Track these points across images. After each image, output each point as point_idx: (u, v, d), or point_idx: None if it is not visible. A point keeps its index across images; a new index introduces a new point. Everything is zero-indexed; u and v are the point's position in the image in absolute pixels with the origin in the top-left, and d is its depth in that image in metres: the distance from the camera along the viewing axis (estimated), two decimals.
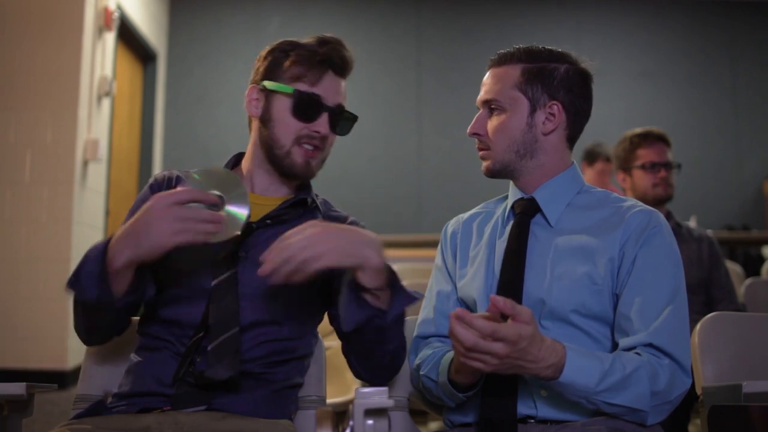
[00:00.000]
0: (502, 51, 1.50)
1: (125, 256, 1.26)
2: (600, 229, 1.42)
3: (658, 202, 2.70)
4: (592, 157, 3.92)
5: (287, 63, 1.46)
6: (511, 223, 1.48)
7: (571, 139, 1.52)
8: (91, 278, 1.29)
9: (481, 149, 1.50)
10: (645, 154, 2.74)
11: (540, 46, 1.49)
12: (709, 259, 2.68)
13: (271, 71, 1.47)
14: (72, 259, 4.23)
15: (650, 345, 1.31)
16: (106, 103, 4.76)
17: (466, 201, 1.68)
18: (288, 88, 1.44)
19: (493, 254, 1.47)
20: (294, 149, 1.46)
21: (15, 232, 4.24)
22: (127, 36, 5.36)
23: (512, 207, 1.50)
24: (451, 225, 1.61)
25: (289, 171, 1.48)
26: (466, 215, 1.61)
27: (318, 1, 6.42)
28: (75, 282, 1.31)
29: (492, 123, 1.47)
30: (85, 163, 4.42)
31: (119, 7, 4.94)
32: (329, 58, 1.46)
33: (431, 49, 6.44)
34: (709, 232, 2.80)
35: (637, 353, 1.31)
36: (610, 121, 5.75)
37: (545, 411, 1.33)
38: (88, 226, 4.48)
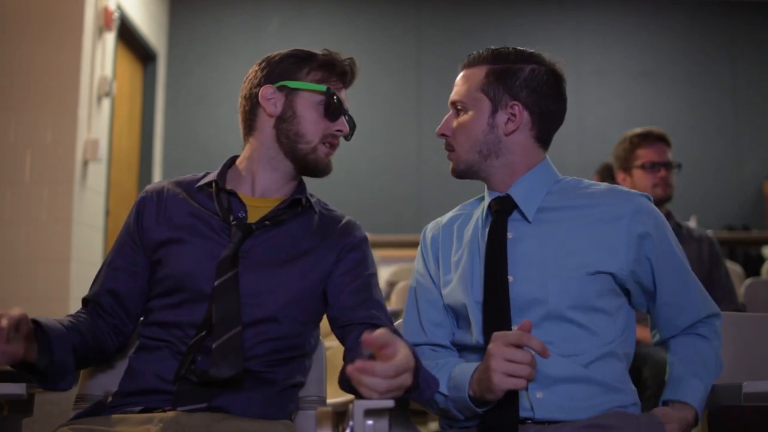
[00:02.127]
0: (474, 53, 1.52)
1: None
2: (585, 217, 1.43)
3: (658, 203, 2.69)
4: (607, 174, 3.73)
5: (308, 68, 1.51)
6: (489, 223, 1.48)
7: (541, 139, 1.50)
8: None
9: (447, 149, 1.52)
10: (645, 154, 2.74)
11: (509, 48, 1.50)
12: (710, 259, 2.67)
13: (288, 73, 1.51)
14: (72, 259, 4.23)
15: (704, 318, 1.51)
16: (106, 103, 4.76)
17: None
18: (320, 87, 1.49)
19: (476, 256, 1.46)
20: (319, 146, 1.50)
21: (15, 232, 4.24)
22: (127, 36, 5.36)
23: (489, 207, 1.49)
24: (431, 229, 1.59)
25: (313, 166, 1.51)
26: (444, 219, 1.59)
27: (318, 1, 6.42)
28: None
29: (456, 124, 1.50)
30: (85, 163, 4.42)
31: (119, 7, 4.94)
32: (350, 69, 1.53)
33: (431, 49, 6.43)
34: (709, 232, 2.80)
35: (698, 334, 1.49)
36: (610, 121, 5.76)
37: (542, 412, 1.33)
38: (88, 226, 4.48)
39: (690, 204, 5.75)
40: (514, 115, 1.46)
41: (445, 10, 6.50)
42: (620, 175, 2.83)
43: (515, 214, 1.46)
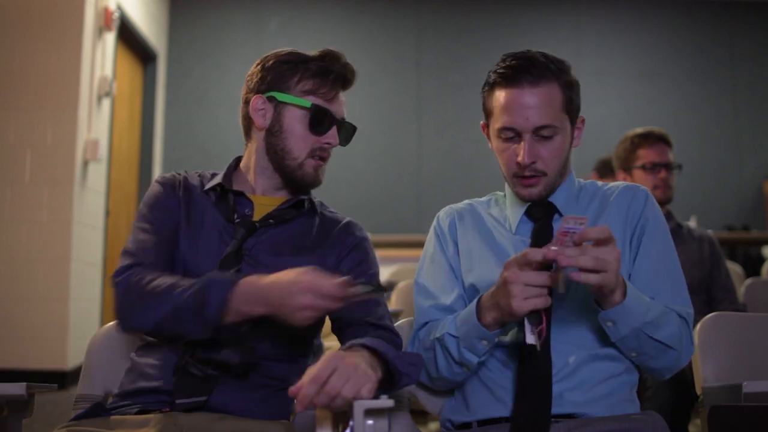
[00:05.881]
0: (523, 63, 1.43)
1: None
2: (608, 217, 1.48)
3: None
4: (605, 170, 3.78)
5: (299, 76, 1.49)
6: (528, 227, 1.49)
7: None
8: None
9: (533, 175, 1.45)
10: (646, 155, 2.74)
11: (551, 56, 1.47)
12: (710, 259, 2.67)
13: (279, 82, 1.50)
14: (72, 259, 4.23)
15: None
16: (106, 103, 4.77)
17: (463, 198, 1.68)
18: (305, 102, 1.48)
19: (507, 252, 1.47)
20: (307, 161, 1.49)
21: (15, 232, 4.24)
22: (127, 36, 5.36)
23: (526, 212, 1.50)
24: (446, 215, 1.60)
25: (300, 181, 1.51)
26: (459, 206, 1.61)
27: (318, 1, 6.42)
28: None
29: (549, 150, 1.44)
30: (85, 163, 4.42)
31: (119, 7, 4.94)
32: (343, 76, 1.50)
33: (431, 50, 6.44)
34: (710, 232, 2.80)
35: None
36: (610, 121, 5.75)
37: (564, 407, 1.36)
38: (88, 226, 4.48)
39: (690, 204, 5.75)
40: (579, 128, 1.50)
41: (445, 10, 6.50)
42: (620, 175, 2.83)
43: (555, 219, 1.49)
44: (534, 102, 1.41)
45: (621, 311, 1.30)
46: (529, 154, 1.42)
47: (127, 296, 1.36)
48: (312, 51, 1.52)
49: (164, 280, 1.35)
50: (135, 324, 1.38)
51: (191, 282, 1.33)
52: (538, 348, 1.28)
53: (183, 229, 1.48)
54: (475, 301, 1.37)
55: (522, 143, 1.43)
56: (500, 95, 1.44)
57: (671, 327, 1.36)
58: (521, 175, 1.45)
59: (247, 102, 1.53)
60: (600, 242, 1.21)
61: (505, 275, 1.26)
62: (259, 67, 1.53)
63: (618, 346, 1.36)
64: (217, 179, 1.53)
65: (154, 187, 1.53)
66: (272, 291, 1.26)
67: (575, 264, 1.19)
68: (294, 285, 1.24)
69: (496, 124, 1.45)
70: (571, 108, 1.46)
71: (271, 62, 1.52)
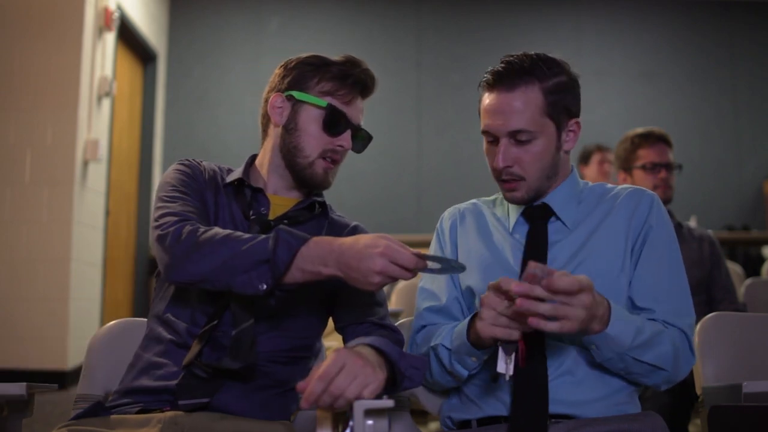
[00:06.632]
0: (500, 67, 1.43)
1: None
2: (612, 222, 1.46)
3: None
4: (586, 156, 3.95)
5: (318, 77, 1.50)
6: (525, 229, 1.49)
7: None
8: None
9: (510, 179, 1.45)
10: (646, 155, 2.74)
11: (537, 56, 1.44)
12: (710, 258, 2.67)
13: (299, 82, 1.51)
14: (72, 259, 4.23)
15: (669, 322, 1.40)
16: (106, 103, 4.77)
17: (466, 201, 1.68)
18: (321, 102, 1.49)
19: (503, 254, 1.48)
20: (317, 161, 1.50)
21: (15, 232, 4.24)
22: (127, 36, 5.36)
23: (522, 213, 1.50)
24: (449, 216, 1.62)
25: (309, 181, 1.52)
26: (462, 206, 1.62)
27: (318, 1, 6.42)
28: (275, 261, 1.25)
29: (526, 155, 1.43)
30: (85, 163, 4.42)
31: (119, 7, 4.94)
32: (362, 82, 1.52)
33: (431, 50, 6.44)
34: (710, 232, 2.80)
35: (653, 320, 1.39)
36: (610, 121, 5.75)
37: (562, 407, 1.36)
38: (88, 226, 4.48)
39: (690, 204, 5.75)
40: (573, 131, 1.48)
41: (445, 10, 6.50)
42: (621, 175, 2.84)
43: (552, 221, 1.48)
44: (509, 106, 1.40)
45: (603, 338, 1.29)
46: (504, 159, 1.42)
47: (178, 245, 1.31)
48: (336, 56, 1.54)
49: (220, 231, 1.32)
50: (185, 274, 1.31)
51: (253, 234, 1.31)
52: (507, 378, 1.26)
53: (204, 212, 1.48)
54: (468, 318, 1.37)
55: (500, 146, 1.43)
56: (484, 98, 1.46)
57: (663, 347, 1.33)
58: (500, 179, 1.46)
59: (266, 100, 1.56)
60: (570, 293, 1.18)
61: (482, 296, 1.26)
62: (281, 68, 1.56)
63: (604, 366, 1.35)
64: (237, 174, 1.54)
65: (178, 167, 1.52)
66: (347, 252, 1.23)
67: (535, 310, 1.16)
68: (371, 248, 1.21)
69: (480, 126, 1.47)
70: (556, 111, 1.42)
71: (293, 63, 1.55)
